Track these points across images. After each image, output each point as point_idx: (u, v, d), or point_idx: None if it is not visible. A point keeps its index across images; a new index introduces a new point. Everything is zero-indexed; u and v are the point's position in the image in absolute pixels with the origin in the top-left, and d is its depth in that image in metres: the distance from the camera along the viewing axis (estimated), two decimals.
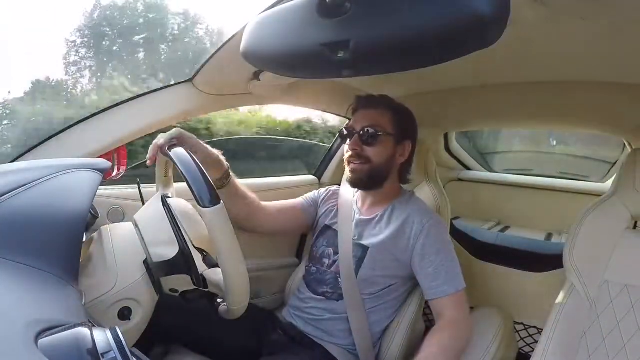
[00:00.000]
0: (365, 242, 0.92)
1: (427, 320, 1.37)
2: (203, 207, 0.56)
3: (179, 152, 0.63)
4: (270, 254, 1.26)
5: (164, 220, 0.65)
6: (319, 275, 0.96)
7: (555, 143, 2.16)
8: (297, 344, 0.89)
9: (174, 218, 0.64)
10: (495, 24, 0.34)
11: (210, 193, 0.57)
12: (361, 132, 0.90)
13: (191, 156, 0.61)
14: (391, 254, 0.88)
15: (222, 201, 0.58)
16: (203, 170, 0.59)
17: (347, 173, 0.94)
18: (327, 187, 1.10)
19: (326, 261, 0.96)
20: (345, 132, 0.93)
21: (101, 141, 0.83)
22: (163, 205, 0.67)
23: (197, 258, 0.63)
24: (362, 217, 0.96)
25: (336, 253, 0.94)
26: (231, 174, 0.90)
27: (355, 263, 0.90)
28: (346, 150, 0.93)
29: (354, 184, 0.94)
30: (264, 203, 1.01)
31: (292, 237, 1.35)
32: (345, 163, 0.94)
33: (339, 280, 0.91)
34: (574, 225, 0.88)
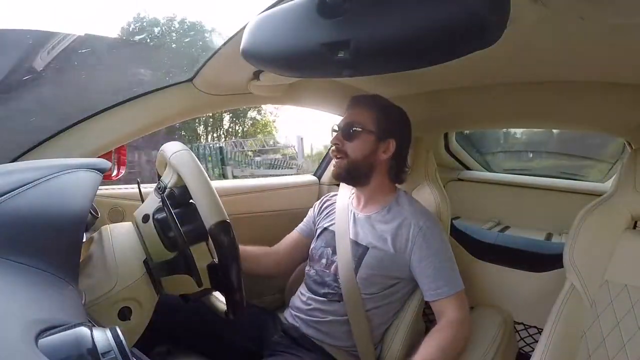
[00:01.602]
0: (363, 241, 0.92)
1: (427, 320, 1.37)
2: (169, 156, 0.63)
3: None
4: None
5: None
6: (318, 277, 0.96)
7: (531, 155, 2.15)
8: (299, 346, 0.89)
9: (174, 218, 0.64)
10: (495, 24, 0.34)
11: (174, 144, 0.67)
12: (342, 128, 0.94)
13: None
14: (389, 254, 0.88)
15: (187, 148, 0.65)
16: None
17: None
18: (321, 198, 1.13)
19: (324, 261, 0.96)
20: (334, 130, 0.97)
21: (101, 141, 0.83)
22: (163, 205, 0.67)
23: None
24: (359, 215, 0.97)
25: (334, 253, 0.95)
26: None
27: (355, 262, 0.90)
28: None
29: (335, 177, 0.98)
30: (273, 248, 1.09)
31: None
32: (333, 158, 0.99)
33: (339, 280, 0.91)
34: (574, 225, 0.88)
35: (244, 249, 0.98)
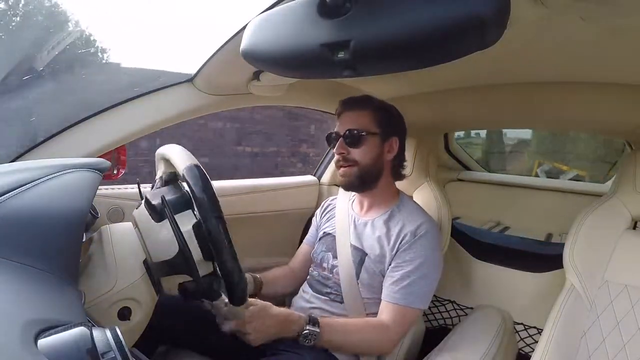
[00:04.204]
0: (363, 246, 0.92)
1: (427, 320, 1.37)
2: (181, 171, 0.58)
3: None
4: (270, 253, 1.26)
5: (164, 219, 0.65)
6: (321, 279, 0.96)
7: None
8: (300, 345, 0.89)
9: (174, 218, 0.63)
10: (495, 25, 0.34)
11: (187, 156, 0.60)
12: (345, 135, 0.90)
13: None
14: (387, 259, 0.88)
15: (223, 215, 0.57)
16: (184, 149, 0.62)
17: (338, 178, 0.95)
18: (322, 204, 1.13)
19: (326, 265, 0.96)
20: (332, 137, 0.94)
21: (101, 141, 0.83)
22: (163, 205, 0.67)
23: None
24: (360, 220, 0.97)
25: (335, 257, 0.95)
26: (261, 279, 0.97)
27: (355, 267, 0.90)
28: (334, 155, 0.94)
29: (346, 187, 0.95)
30: (289, 266, 1.07)
31: (292, 237, 1.35)
32: (336, 168, 0.96)
33: (340, 284, 0.91)
34: (574, 225, 0.88)
35: (265, 275, 0.99)
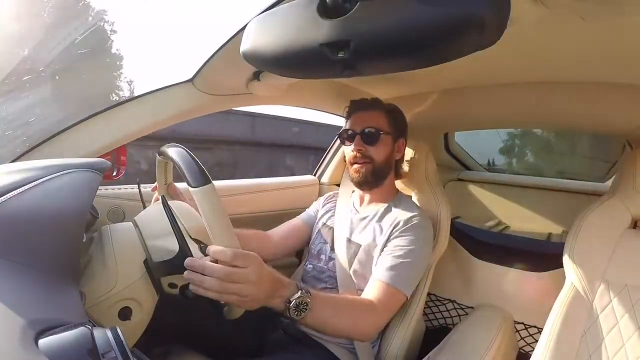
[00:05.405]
0: (357, 239, 0.94)
1: (427, 320, 1.37)
2: (192, 187, 0.55)
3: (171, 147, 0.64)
4: None
5: (164, 220, 0.65)
6: (316, 273, 0.98)
7: None
8: (298, 343, 0.89)
9: (174, 218, 0.64)
10: (495, 25, 0.34)
11: (199, 173, 0.56)
12: (362, 133, 0.93)
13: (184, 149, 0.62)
14: (379, 251, 0.89)
15: (212, 181, 0.57)
16: (192, 154, 0.59)
17: (351, 174, 0.98)
18: (326, 194, 1.15)
19: (323, 257, 0.99)
20: (346, 134, 0.97)
21: (101, 141, 0.83)
22: (163, 206, 0.67)
23: (194, 248, 0.63)
24: (357, 215, 0.99)
25: (332, 250, 0.97)
26: None
27: (349, 260, 0.92)
28: (349, 152, 0.97)
29: (360, 184, 0.97)
30: (268, 233, 1.05)
31: None
32: (348, 165, 0.98)
33: (336, 276, 0.93)
34: (574, 225, 0.88)
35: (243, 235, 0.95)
